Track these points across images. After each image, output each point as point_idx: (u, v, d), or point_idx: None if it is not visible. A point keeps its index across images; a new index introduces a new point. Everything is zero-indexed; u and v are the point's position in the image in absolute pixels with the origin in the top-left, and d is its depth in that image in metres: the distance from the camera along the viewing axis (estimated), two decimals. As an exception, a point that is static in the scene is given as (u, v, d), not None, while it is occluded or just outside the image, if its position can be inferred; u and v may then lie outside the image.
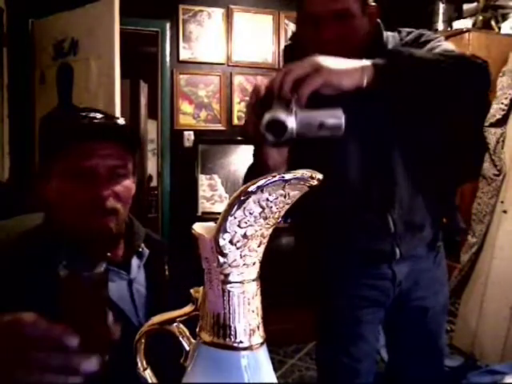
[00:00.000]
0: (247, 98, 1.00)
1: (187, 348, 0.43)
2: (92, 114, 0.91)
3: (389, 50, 1.15)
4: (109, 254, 0.91)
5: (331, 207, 1.21)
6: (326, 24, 1.08)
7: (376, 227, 1.20)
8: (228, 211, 0.35)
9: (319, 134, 0.87)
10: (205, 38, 3.46)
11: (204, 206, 3.36)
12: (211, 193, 3.40)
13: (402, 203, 1.19)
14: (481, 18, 3.13)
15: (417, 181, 1.21)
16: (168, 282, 0.98)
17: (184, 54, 3.43)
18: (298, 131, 0.86)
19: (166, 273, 0.99)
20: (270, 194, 0.35)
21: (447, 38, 3.15)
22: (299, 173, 0.37)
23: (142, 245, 0.99)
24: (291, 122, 0.85)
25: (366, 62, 0.94)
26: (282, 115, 0.85)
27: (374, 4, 1.17)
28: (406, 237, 1.21)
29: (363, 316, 1.27)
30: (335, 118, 0.86)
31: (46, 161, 0.91)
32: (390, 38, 1.21)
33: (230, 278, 0.37)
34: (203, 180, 3.40)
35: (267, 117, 0.85)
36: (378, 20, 1.20)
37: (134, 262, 0.96)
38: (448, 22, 3.36)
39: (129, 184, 0.92)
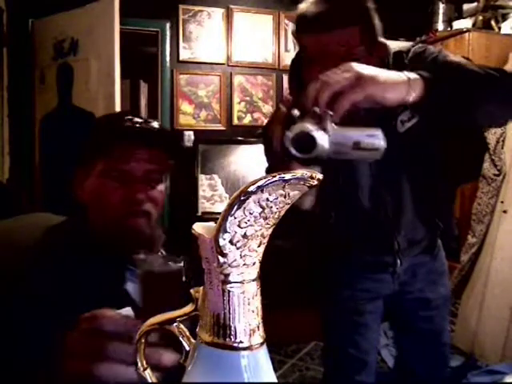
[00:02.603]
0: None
1: (187, 348, 0.43)
2: (135, 119, 0.94)
3: (434, 61, 1.04)
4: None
5: (341, 227, 1.26)
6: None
7: (382, 246, 1.28)
8: (228, 211, 0.35)
9: (353, 155, 0.76)
10: (205, 38, 3.46)
11: (204, 206, 3.36)
12: (211, 193, 3.40)
13: (406, 225, 1.26)
14: (481, 18, 3.13)
15: (420, 202, 1.26)
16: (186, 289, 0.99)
17: (184, 54, 3.43)
18: (329, 149, 0.75)
19: (183, 278, 0.99)
20: (270, 194, 0.35)
21: (447, 38, 3.15)
22: (299, 173, 0.37)
23: (162, 250, 1.00)
24: (322, 138, 0.74)
25: (412, 74, 0.83)
26: (312, 129, 0.74)
27: (382, 41, 1.08)
28: (407, 250, 1.29)
29: (365, 307, 1.34)
30: (373, 138, 0.76)
31: (87, 161, 0.92)
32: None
33: (230, 278, 0.37)
34: (203, 180, 3.40)
35: (295, 128, 0.75)
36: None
37: None
38: (448, 21, 3.37)
39: (162, 188, 0.95)
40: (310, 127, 0.74)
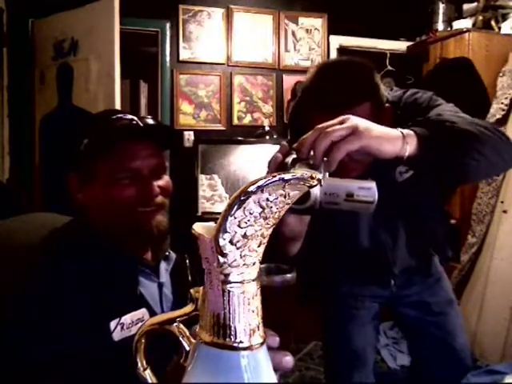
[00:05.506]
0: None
1: (187, 348, 0.43)
2: (127, 116, 0.93)
3: (428, 118, 1.04)
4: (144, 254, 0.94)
5: (337, 263, 1.36)
6: None
7: (378, 275, 1.36)
8: (228, 211, 0.35)
9: (345, 206, 0.74)
10: (205, 38, 3.46)
11: (204, 206, 3.36)
12: (211, 193, 3.40)
13: (401, 257, 1.32)
14: (481, 18, 3.13)
15: (415, 236, 1.31)
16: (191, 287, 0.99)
17: (184, 54, 3.43)
18: (321, 200, 0.74)
19: (189, 278, 0.99)
20: (270, 194, 0.35)
21: (447, 37, 3.15)
22: (299, 173, 0.37)
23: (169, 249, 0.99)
24: (315, 189, 0.73)
25: (407, 130, 0.84)
26: None
27: (388, 105, 1.10)
28: (402, 273, 1.35)
29: (363, 303, 1.39)
30: (367, 190, 0.73)
31: (85, 166, 0.91)
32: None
33: (230, 278, 0.37)
34: (203, 180, 3.40)
35: None
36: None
37: (162, 265, 0.96)
38: (448, 21, 3.37)
39: (168, 179, 0.95)
40: None
